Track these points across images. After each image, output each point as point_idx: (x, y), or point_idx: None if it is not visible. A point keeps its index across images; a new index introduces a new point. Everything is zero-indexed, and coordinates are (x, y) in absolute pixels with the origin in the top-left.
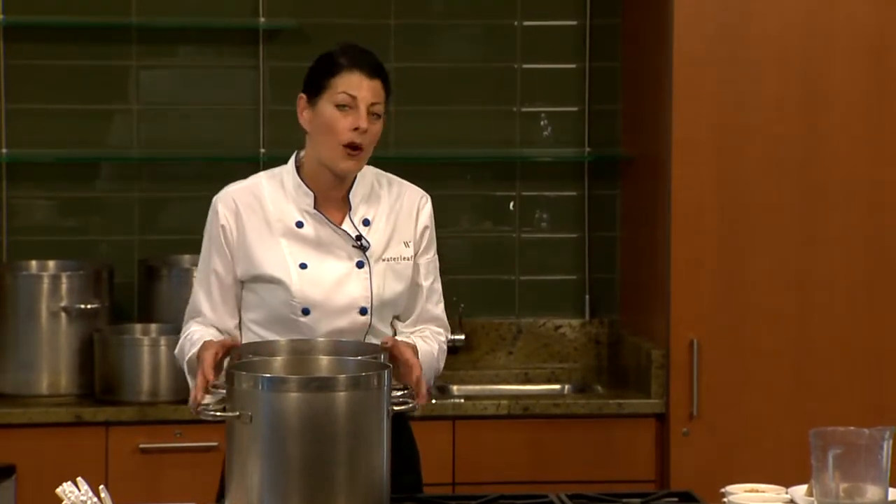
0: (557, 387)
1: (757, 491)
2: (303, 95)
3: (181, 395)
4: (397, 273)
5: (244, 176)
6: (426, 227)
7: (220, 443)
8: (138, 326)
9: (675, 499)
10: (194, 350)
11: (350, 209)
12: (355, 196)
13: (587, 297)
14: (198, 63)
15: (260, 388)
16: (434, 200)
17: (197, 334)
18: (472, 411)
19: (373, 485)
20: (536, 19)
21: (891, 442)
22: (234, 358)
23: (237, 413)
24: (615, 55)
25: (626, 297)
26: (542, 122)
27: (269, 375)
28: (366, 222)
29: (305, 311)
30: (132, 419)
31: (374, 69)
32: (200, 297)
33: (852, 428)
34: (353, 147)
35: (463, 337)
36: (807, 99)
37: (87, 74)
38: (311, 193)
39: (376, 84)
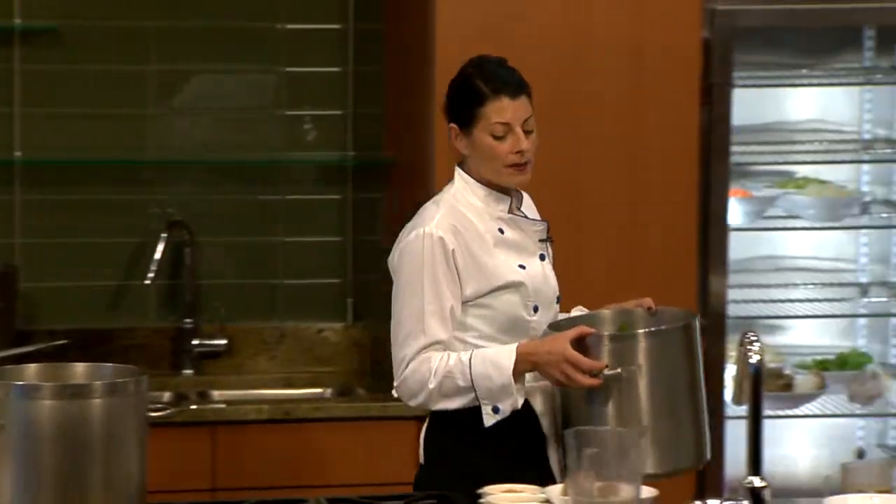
0: (320, 390)
1: (513, 491)
2: (454, 126)
3: None
4: (552, 261)
5: None
6: None
7: None
8: None
9: (434, 501)
10: (509, 361)
11: (520, 205)
12: (518, 193)
13: (350, 300)
14: None
15: (12, 396)
16: (197, 205)
17: (464, 356)
18: (234, 416)
19: (129, 492)
20: (299, 23)
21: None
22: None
23: None
24: (379, 59)
25: (389, 301)
26: (305, 126)
27: (21, 383)
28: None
29: (535, 309)
30: None
31: (516, 88)
32: (438, 330)
33: (607, 428)
34: (517, 166)
35: (225, 342)
36: (568, 101)
37: None
38: (507, 197)
39: (522, 101)
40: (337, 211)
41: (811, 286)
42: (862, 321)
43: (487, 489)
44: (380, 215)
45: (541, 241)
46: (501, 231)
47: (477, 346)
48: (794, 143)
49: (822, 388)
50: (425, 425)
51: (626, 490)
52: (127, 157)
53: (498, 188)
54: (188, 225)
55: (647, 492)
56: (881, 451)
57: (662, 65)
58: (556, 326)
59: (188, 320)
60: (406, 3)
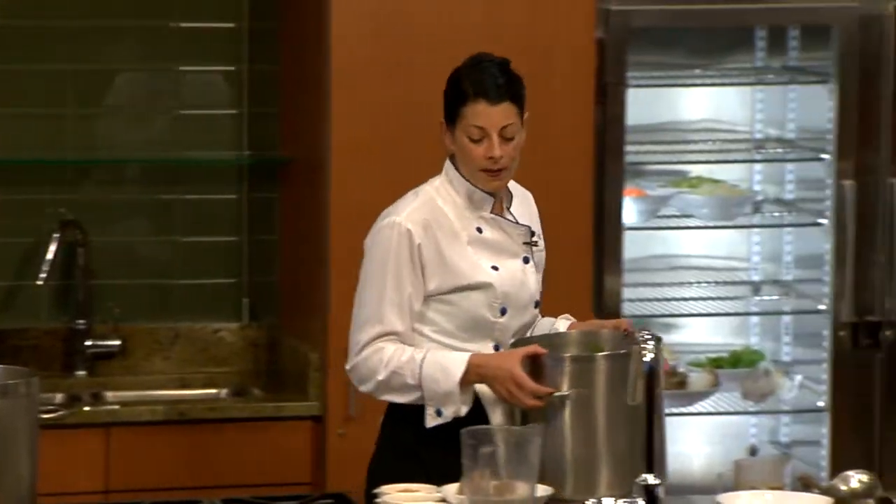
0: (215, 391)
1: (410, 491)
2: (442, 121)
3: None
4: (537, 265)
5: None
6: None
7: None
8: None
9: (331, 500)
10: (457, 370)
11: (509, 207)
12: (514, 195)
13: (246, 300)
14: None
15: None
16: (90, 204)
17: (417, 354)
18: (128, 417)
19: (19, 494)
20: (193, 21)
21: (539, 440)
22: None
23: None
24: (274, 57)
25: (286, 300)
26: (200, 125)
27: None
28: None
29: (503, 311)
30: None
31: (498, 92)
32: (394, 319)
33: (505, 426)
34: (489, 171)
35: (119, 342)
36: None
37: None
38: (492, 198)
39: (503, 107)
40: (233, 210)
41: (705, 285)
42: (754, 319)
43: (383, 489)
44: (276, 214)
45: (525, 244)
46: (480, 230)
47: (435, 341)
48: (687, 142)
49: (715, 386)
50: (385, 412)
51: (521, 488)
52: (18, 157)
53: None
54: (81, 224)
55: (542, 490)
56: (774, 448)
57: (557, 65)
58: (524, 342)
59: (81, 321)
60: (301, 1)
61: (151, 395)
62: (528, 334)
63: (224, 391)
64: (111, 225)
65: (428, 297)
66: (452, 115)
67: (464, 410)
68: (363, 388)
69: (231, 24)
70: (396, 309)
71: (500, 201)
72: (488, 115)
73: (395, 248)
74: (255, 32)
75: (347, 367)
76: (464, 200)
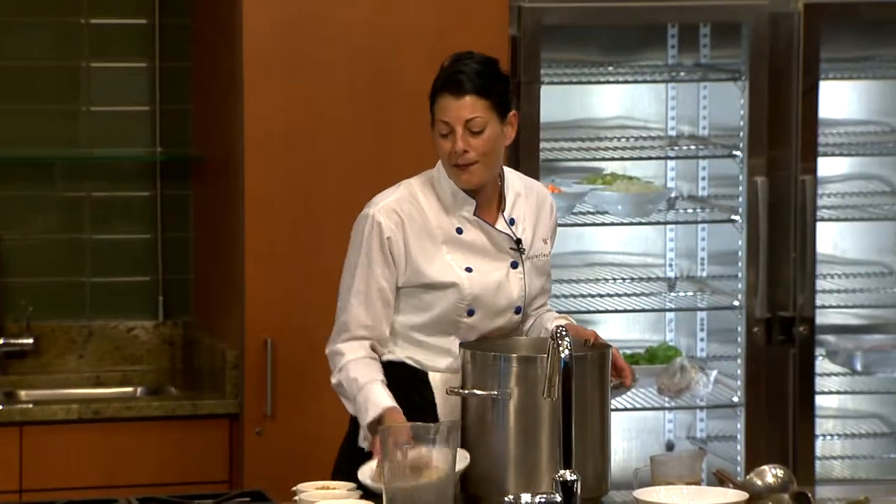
0: (130, 389)
1: (328, 488)
2: (431, 113)
3: None
4: (539, 270)
5: None
6: (555, 224)
7: None
8: None
9: (247, 498)
10: (371, 414)
11: (503, 210)
12: (508, 197)
13: (161, 298)
14: None
15: None
16: (1, 202)
17: (362, 378)
18: (41, 416)
19: None
20: (104, 17)
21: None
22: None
23: None
24: (186, 54)
25: (201, 298)
26: (111, 122)
27: None
28: (511, 221)
29: (471, 312)
30: None
31: (460, 87)
32: (359, 311)
33: (420, 423)
34: (458, 166)
35: (31, 341)
36: (376, 95)
37: None
38: (473, 200)
39: (467, 101)
40: (146, 207)
41: (620, 281)
42: (670, 315)
43: (301, 486)
44: (189, 211)
45: (512, 249)
46: (460, 231)
47: (401, 333)
48: (601, 139)
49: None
50: None
51: (438, 460)
52: None
53: (469, 190)
54: None
55: (462, 459)
56: (690, 443)
57: None
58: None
59: None
60: None
61: (65, 394)
62: (526, 332)
63: (139, 389)
64: (22, 223)
65: (400, 289)
66: (431, 111)
67: (367, 446)
68: (331, 380)
69: (143, 21)
70: (363, 301)
71: (492, 202)
72: (452, 108)
73: (366, 239)
74: (167, 29)
75: (327, 349)
76: (448, 199)
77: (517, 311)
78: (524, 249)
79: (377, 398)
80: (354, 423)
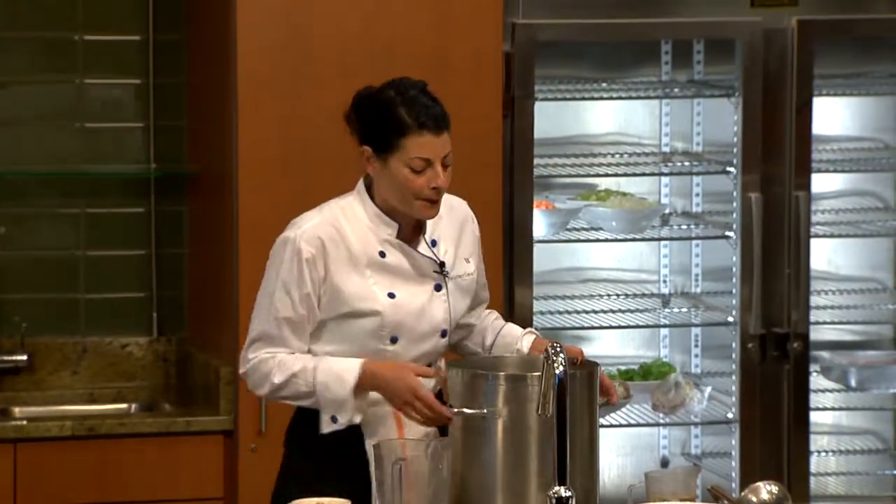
0: (124, 406)
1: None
2: (367, 149)
3: None
4: (463, 290)
5: None
6: (478, 237)
7: None
8: None
9: None
10: (351, 377)
11: (424, 233)
12: (430, 221)
13: (155, 314)
14: None
15: None
16: None
17: (309, 362)
18: (35, 433)
19: None
20: (98, 34)
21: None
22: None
23: None
24: (180, 70)
25: (195, 314)
26: (106, 138)
27: None
28: (433, 242)
29: (394, 340)
30: None
31: (440, 123)
32: (285, 332)
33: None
34: (430, 200)
35: (25, 357)
36: None
37: None
38: (395, 224)
39: (445, 137)
40: (140, 224)
41: (615, 297)
42: (664, 331)
43: (296, 502)
44: (184, 228)
45: (436, 272)
46: (382, 255)
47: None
48: (595, 155)
49: (626, 398)
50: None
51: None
52: None
53: (390, 213)
54: None
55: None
56: (685, 459)
57: (465, 78)
58: (464, 363)
59: None
60: (206, 13)
61: (59, 411)
62: (489, 342)
63: (134, 406)
64: (17, 238)
65: (322, 320)
66: (387, 145)
67: (357, 418)
68: (259, 393)
69: (137, 37)
70: (287, 324)
71: (413, 226)
72: (434, 146)
73: (287, 264)
74: (161, 45)
75: (241, 370)
76: (370, 222)
77: (443, 334)
78: (447, 272)
79: (343, 363)
80: (291, 442)
